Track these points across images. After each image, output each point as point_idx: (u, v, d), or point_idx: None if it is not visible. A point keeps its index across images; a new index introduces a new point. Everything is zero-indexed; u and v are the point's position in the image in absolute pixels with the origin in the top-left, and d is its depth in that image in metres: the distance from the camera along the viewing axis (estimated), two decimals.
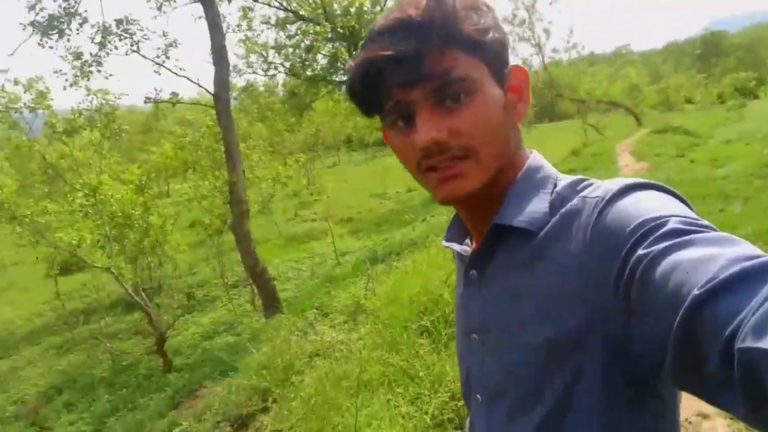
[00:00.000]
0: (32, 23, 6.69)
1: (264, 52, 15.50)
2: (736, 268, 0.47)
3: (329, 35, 10.50)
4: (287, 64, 15.75)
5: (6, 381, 9.50)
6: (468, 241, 0.88)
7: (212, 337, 9.77)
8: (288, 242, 16.40)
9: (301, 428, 3.29)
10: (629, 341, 0.59)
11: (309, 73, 14.47)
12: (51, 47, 6.97)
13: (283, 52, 15.79)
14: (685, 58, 72.11)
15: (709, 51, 62.12)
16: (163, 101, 8.28)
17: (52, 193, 9.98)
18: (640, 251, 0.56)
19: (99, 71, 7.21)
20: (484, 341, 0.79)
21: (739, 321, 0.44)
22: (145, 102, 8.06)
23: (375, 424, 2.84)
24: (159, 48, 7.26)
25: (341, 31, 11.03)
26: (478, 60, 0.70)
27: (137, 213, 9.59)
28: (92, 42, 7.01)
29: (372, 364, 3.54)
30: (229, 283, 12.14)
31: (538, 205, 0.73)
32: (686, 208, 0.63)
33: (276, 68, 16.09)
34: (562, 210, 0.70)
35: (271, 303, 7.46)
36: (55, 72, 7.98)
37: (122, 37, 6.94)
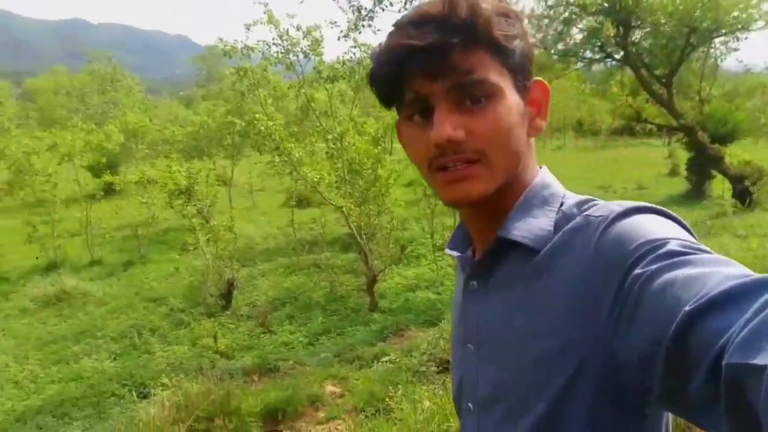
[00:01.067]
0: None
1: None
2: (726, 285, 0.48)
3: (596, 8, 9.91)
4: (539, 36, 15.42)
5: (244, 285, 11.17)
6: (470, 251, 0.86)
7: (414, 290, 10.38)
8: None
9: None
10: (623, 355, 0.59)
11: (560, 47, 13.96)
12: None
13: (535, 22, 15.48)
14: None
15: None
16: None
17: (297, 133, 11.27)
18: (638, 270, 0.57)
19: (370, 26, 7.89)
20: (480, 351, 0.79)
21: (728, 337, 0.44)
22: None
23: None
24: None
25: (607, 4, 10.35)
26: (502, 66, 0.69)
27: (369, 163, 10.48)
28: None
29: None
30: (437, 244, 12.63)
31: (543, 222, 0.73)
32: (686, 232, 0.64)
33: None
34: (565, 228, 0.70)
35: None
36: (331, 23, 8.91)
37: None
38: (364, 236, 9.95)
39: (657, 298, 0.53)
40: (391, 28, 0.73)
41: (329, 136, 9.54)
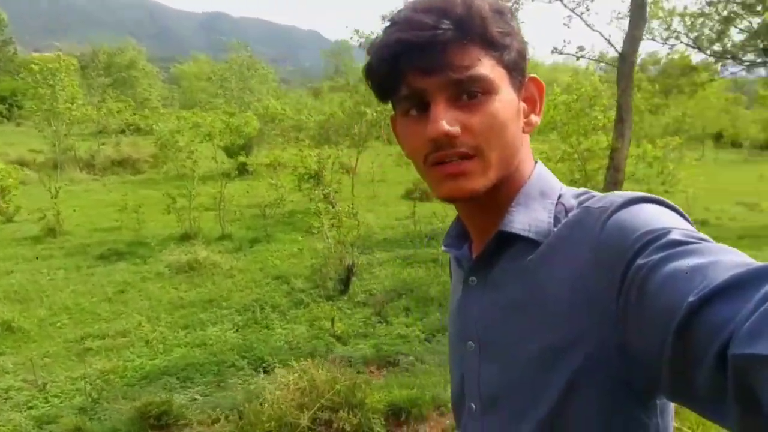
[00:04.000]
0: None
1: (669, 18, 14.07)
2: (728, 275, 0.47)
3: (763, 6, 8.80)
4: (692, 35, 14.03)
5: (362, 272, 11.16)
6: (466, 246, 0.86)
7: None
8: None
9: None
10: (628, 348, 0.59)
11: (716, 48, 12.58)
12: None
13: (689, 20, 14.08)
14: None
15: None
16: (569, 54, 8.19)
17: None
18: (640, 261, 0.57)
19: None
20: (482, 349, 0.78)
21: (732, 327, 0.43)
22: (552, 52, 8.11)
23: None
24: None
25: None
26: (498, 63, 0.71)
27: None
28: None
29: None
30: None
31: (543, 215, 0.74)
32: (686, 222, 0.65)
33: (678, 38, 14.48)
34: (566, 220, 0.71)
35: None
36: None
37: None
38: None
39: (661, 289, 0.52)
40: (387, 23, 0.72)
41: None
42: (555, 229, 0.71)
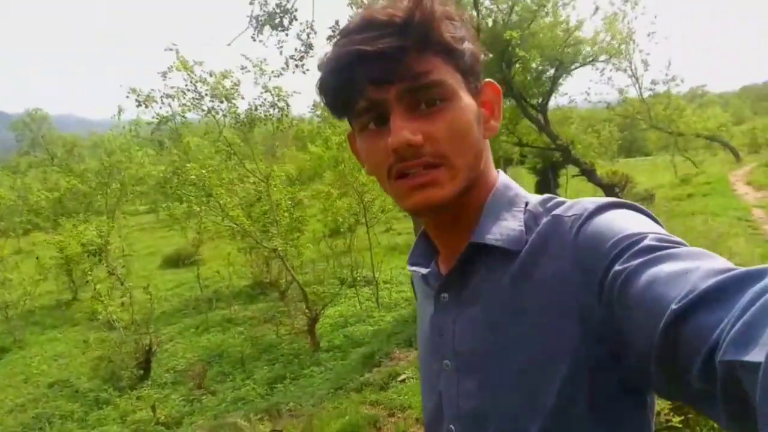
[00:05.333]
0: (255, 17, 7.56)
1: None
2: (711, 281, 0.48)
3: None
4: None
5: (156, 352, 10.21)
6: (434, 263, 0.83)
7: (345, 327, 10.33)
8: (389, 251, 16.96)
9: None
10: (615, 355, 0.59)
11: None
12: (261, 41, 7.83)
13: None
14: (764, 102, 70.19)
15: None
16: None
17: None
18: (618, 267, 0.57)
19: (298, 66, 7.99)
20: (460, 367, 0.74)
21: (718, 334, 0.44)
22: None
23: None
24: None
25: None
26: (454, 69, 0.69)
27: (287, 204, 10.42)
28: (299, 38, 7.81)
29: None
30: (347, 282, 12.73)
31: (513, 224, 0.72)
32: (658, 226, 0.64)
33: None
34: (539, 228, 0.69)
35: None
36: (242, 68, 8.85)
37: (330, 38, 7.69)
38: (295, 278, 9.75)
39: (642, 296, 0.53)
40: (336, 37, 0.71)
41: (252, 180, 9.33)
42: (527, 238, 0.69)
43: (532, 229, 0.70)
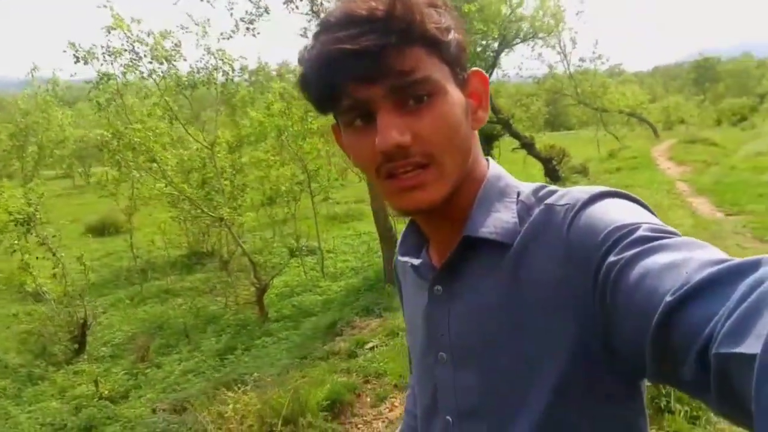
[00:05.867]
0: None
1: None
2: (705, 273, 0.48)
3: None
4: None
5: (89, 327, 9.77)
6: (425, 253, 0.83)
7: (291, 296, 10.27)
8: (329, 221, 16.88)
9: None
10: (610, 345, 0.59)
11: None
12: (209, 1, 7.39)
13: None
14: (674, 81, 74.92)
15: (702, 76, 64.41)
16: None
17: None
18: (612, 258, 0.57)
19: (249, 29, 7.63)
20: (456, 359, 0.75)
21: (713, 326, 0.44)
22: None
23: None
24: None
25: None
26: (440, 61, 0.67)
27: (230, 172, 10.15)
28: (250, 0, 7.43)
29: None
30: (295, 252, 12.62)
31: (506, 215, 0.71)
32: (652, 215, 0.64)
33: None
34: (531, 219, 0.69)
35: (392, 262, 7.92)
36: (182, 28, 8.39)
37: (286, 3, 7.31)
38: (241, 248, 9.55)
39: (636, 287, 0.53)
40: (316, 29, 0.68)
41: (196, 146, 8.95)
42: (521, 229, 0.69)
43: (524, 220, 0.70)
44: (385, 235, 7.65)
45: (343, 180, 13.86)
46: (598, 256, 0.58)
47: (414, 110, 0.65)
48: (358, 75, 0.63)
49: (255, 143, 12.14)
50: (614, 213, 0.62)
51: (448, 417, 0.76)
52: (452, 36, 0.67)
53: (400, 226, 12.56)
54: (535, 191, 0.73)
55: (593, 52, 22.47)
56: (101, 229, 17.57)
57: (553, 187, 0.72)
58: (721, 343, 0.42)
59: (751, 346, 0.40)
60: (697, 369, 0.46)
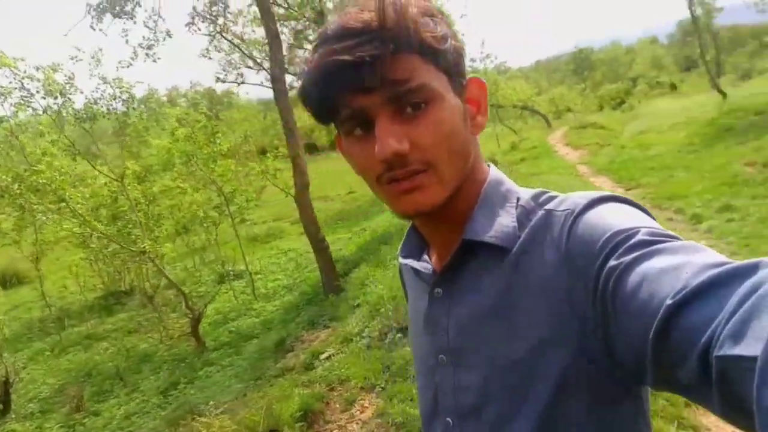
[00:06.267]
0: (96, 5, 6.84)
1: None
2: (704, 276, 0.48)
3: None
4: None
5: (11, 384, 9.08)
6: (426, 256, 0.84)
7: (226, 323, 10.07)
8: (251, 242, 16.59)
9: None
10: (610, 350, 0.59)
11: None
12: (101, 30, 7.15)
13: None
14: (555, 73, 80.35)
15: (580, 66, 69.32)
16: (231, 82, 8.55)
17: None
18: (612, 262, 0.57)
19: (149, 55, 7.45)
20: (455, 360, 0.76)
21: (713, 329, 0.45)
22: (216, 81, 8.26)
23: None
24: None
25: None
26: (437, 69, 0.68)
27: (143, 204, 9.82)
28: (146, 26, 7.27)
29: None
30: (224, 278, 12.36)
31: (506, 220, 0.72)
32: (650, 219, 0.65)
33: None
34: (531, 224, 0.70)
35: (330, 273, 7.96)
36: (72, 58, 8.06)
37: (188, 25, 7.23)
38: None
39: (636, 291, 0.53)
40: (315, 43, 0.70)
41: (104, 180, 8.61)
42: (521, 234, 0.70)
43: (524, 225, 0.71)
44: (318, 247, 7.71)
45: (257, 200, 13.68)
46: (598, 260, 0.59)
47: (412, 118, 0.67)
48: (355, 85, 0.65)
49: (161, 172, 11.74)
50: (613, 217, 0.63)
51: (448, 418, 0.77)
52: (449, 44, 0.69)
53: (330, 237, 12.67)
54: (535, 196, 0.74)
55: (481, 52, 23.71)
56: (2, 282, 16.27)
57: (552, 193, 0.74)
58: (722, 345, 0.43)
59: (751, 348, 0.41)
60: (698, 372, 0.46)
